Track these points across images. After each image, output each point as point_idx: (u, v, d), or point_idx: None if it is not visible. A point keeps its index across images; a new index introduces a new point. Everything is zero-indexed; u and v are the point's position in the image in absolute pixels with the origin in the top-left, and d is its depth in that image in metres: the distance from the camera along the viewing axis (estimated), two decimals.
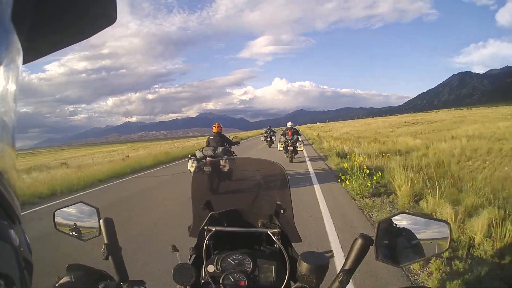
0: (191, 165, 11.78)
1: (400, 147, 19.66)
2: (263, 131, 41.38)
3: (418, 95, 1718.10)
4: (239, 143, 13.57)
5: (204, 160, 11.42)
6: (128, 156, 31.12)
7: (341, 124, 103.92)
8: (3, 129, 0.48)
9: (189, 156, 12.29)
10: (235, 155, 12.30)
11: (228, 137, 13.49)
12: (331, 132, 56.39)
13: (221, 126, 13.05)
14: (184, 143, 61.47)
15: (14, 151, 0.53)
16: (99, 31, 0.77)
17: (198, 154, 11.85)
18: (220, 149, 11.64)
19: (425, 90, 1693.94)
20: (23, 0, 0.53)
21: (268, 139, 33.87)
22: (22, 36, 0.52)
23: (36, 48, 0.69)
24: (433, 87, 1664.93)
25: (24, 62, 0.58)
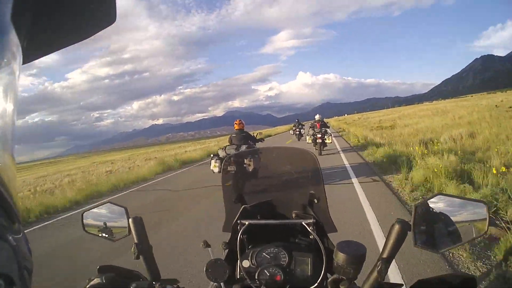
0: (214, 165, 10.97)
1: None
2: (289, 126, 40.68)
3: (442, 81, 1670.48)
4: (263, 140, 12.81)
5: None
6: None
7: (385, 115, 75.41)
8: (2, 129, 0.48)
9: (212, 155, 11.44)
10: (260, 153, 11.47)
11: (252, 134, 12.30)
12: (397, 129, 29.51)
13: (243, 122, 11.89)
14: (205, 144, 54.26)
15: (14, 151, 0.53)
16: (99, 31, 0.76)
17: (221, 154, 10.99)
18: (243, 147, 10.73)
19: (449, 76, 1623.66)
20: (23, 0, 0.53)
21: (297, 132, 33.73)
22: (22, 36, 0.53)
23: (36, 48, 0.68)
24: (456, 72, 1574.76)
25: (24, 62, 0.58)
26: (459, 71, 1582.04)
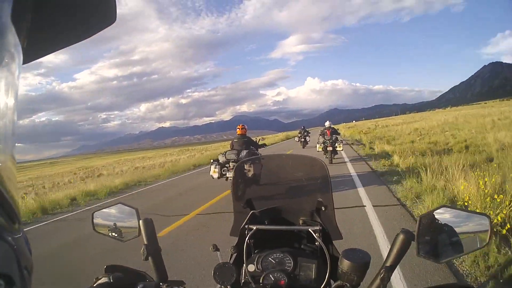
0: (214, 171, 10.84)
1: None
2: (296, 132, 39.50)
3: (450, 88, 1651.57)
4: (265, 145, 12.60)
5: (227, 166, 10.68)
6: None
7: (394, 122, 70.20)
8: (2, 129, 0.48)
9: (212, 161, 11.40)
10: (262, 158, 11.23)
11: (254, 139, 12.19)
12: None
13: (246, 127, 11.77)
14: (206, 151, 49.88)
15: (14, 151, 0.53)
16: (99, 31, 0.77)
17: (221, 159, 10.84)
18: (244, 152, 10.52)
19: (457, 83, 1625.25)
20: (23, 0, 0.53)
21: (302, 139, 32.87)
22: (22, 36, 0.52)
23: (36, 48, 0.68)
24: (464, 79, 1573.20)
25: (24, 62, 0.58)
26: (467, 78, 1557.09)
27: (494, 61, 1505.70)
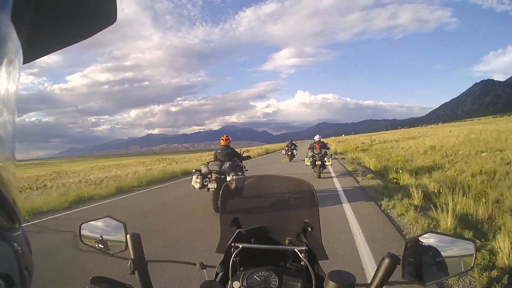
0: (195, 181, 10.73)
1: None
2: (283, 145, 39.07)
3: (441, 105, 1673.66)
4: (250, 158, 12.69)
5: (209, 176, 10.63)
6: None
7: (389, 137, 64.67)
8: (3, 130, 0.48)
9: (194, 170, 11.23)
10: (246, 170, 11.36)
11: (239, 151, 12.32)
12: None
13: (230, 139, 11.85)
14: (182, 161, 45.88)
15: (14, 151, 0.53)
16: (99, 31, 0.77)
17: (203, 169, 10.82)
18: (227, 164, 10.56)
19: (448, 100, 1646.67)
20: (23, 0, 0.53)
21: (289, 153, 32.77)
22: (22, 36, 0.52)
23: (36, 48, 0.69)
24: (455, 96, 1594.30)
25: (24, 62, 0.58)
26: (458, 95, 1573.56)
27: (486, 78, 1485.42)
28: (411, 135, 62.00)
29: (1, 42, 0.46)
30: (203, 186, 10.70)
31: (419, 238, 1.41)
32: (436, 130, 79.72)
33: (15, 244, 0.48)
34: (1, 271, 0.43)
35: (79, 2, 0.69)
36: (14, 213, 0.49)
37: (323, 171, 18.74)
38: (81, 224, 1.83)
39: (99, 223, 1.84)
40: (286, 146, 34.04)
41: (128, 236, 1.64)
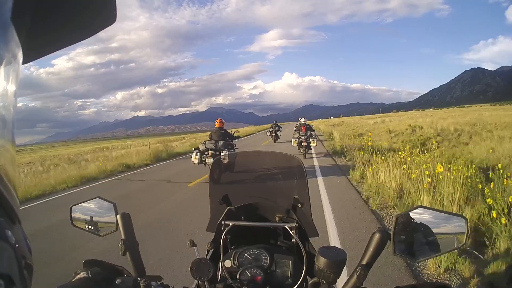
0: (195, 157, 13.18)
1: None
2: (269, 126, 38.38)
3: (429, 91, 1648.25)
4: (240, 137, 14.71)
5: (206, 153, 13.11)
6: None
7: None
8: (3, 128, 0.49)
9: (193, 148, 13.86)
10: (236, 148, 13.81)
11: (230, 131, 14.79)
12: None
13: (223, 121, 14.24)
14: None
15: (15, 150, 0.54)
16: (99, 31, 0.79)
17: (201, 147, 13.28)
18: (221, 142, 13.01)
19: (437, 86, 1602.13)
20: (23, 0, 0.53)
21: (273, 134, 33.40)
22: (22, 36, 0.53)
23: (36, 47, 0.70)
24: (445, 83, 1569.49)
25: (24, 61, 0.60)
26: (447, 82, 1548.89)
27: (476, 67, 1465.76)
28: (427, 117, 54.90)
29: (1, 42, 0.46)
30: (201, 161, 13.22)
31: (410, 213, 1.39)
32: (452, 113, 73.93)
33: (15, 244, 0.48)
34: (1, 271, 0.43)
35: (79, 2, 0.71)
36: (14, 212, 0.50)
37: (308, 152, 19.90)
38: (72, 206, 1.84)
39: (89, 205, 1.84)
40: (271, 127, 34.60)
41: (118, 216, 1.65)
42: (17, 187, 0.53)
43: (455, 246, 1.40)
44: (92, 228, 1.80)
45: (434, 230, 1.35)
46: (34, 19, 0.59)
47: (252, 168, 2.52)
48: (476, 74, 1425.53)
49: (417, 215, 1.38)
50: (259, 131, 71.72)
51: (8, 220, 0.48)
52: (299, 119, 22.12)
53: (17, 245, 0.48)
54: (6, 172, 0.48)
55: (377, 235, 1.33)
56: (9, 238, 0.47)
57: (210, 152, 13.06)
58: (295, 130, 20.62)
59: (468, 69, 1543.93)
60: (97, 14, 0.75)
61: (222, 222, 1.91)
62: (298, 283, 1.66)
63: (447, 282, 4.81)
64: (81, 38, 0.77)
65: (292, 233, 1.80)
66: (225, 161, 2.60)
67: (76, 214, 1.83)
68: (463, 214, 3.74)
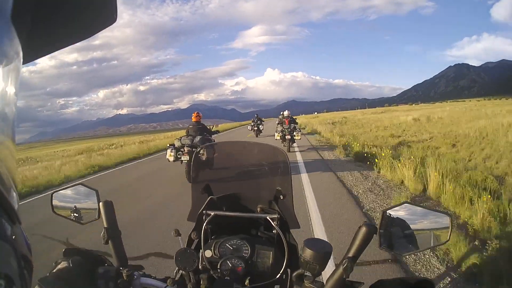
0: (170, 154, 12.24)
1: None
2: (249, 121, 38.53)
3: (413, 86, 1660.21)
4: (219, 132, 13.98)
5: (182, 150, 12.12)
6: None
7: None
8: (3, 129, 0.48)
9: (168, 145, 12.72)
10: (216, 144, 12.70)
11: (209, 127, 13.84)
12: None
13: (201, 115, 13.46)
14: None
15: (15, 148, 0.53)
16: (99, 31, 0.78)
17: (177, 144, 12.33)
18: (198, 138, 12.13)
19: (420, 82, 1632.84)
20: (23, 0, 0.53)
21: (255, 128, 33.00)
22: (22, 36, 0.52)
23: (36, 48, 0.69)
24: (428, 78, 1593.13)
25: (24, 62, 0.58)
26: (431, 77, 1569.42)
27: (460, 63, 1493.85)
28: (425, 112, 52.37)
29: (1, 42, 0.47)
30: (176, 159, 12.22)
31: (396, 209, 1.42)
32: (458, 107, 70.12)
33: (15, 243, 0.48)
34: (1, 271, 0.43)
35: (79, 2, 0.72)
36: (14, 212, 0.49)
37: (292, 145, 19.67)
38: (53, 193, 1.81)
39: (70, 192, 1.83)
40: (252, 122, 34.74)
41: (100, 204, 1.66)
42: (17, 186, 0.53)
43: (438, 242, 1.45)
44: (74, 215, 1.78)
45: (419, 226, 1.42)
46: (35, 19, 0.60)
47: (235, 158, 2.58)
48: (460, 70, 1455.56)
49: (403, 211, 1.43)
50: (242, 125, 70.89)
51: (8, 219, 0.48)
52: (282, 112, 21.67)
53: (16, 245, 0.48)
54: (6, 170, 0.48)
55: (363, 229, 1.33)
56: (9, 238, 0.47)
57: (186, 149, 12.11)
58: (278, 123, 20.26)
59: (452, 65, 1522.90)
60: (97, 14, 0.75)
61: (204, 211, 1.92)
62: (279, 274, 1.70)
63: (429, 277, 4.78)
64: (81, 38, 0.78)
65: (274, 224, 1.81)
66: (204, 157, 2.67)
67: (56, 202, 1.80)
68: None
